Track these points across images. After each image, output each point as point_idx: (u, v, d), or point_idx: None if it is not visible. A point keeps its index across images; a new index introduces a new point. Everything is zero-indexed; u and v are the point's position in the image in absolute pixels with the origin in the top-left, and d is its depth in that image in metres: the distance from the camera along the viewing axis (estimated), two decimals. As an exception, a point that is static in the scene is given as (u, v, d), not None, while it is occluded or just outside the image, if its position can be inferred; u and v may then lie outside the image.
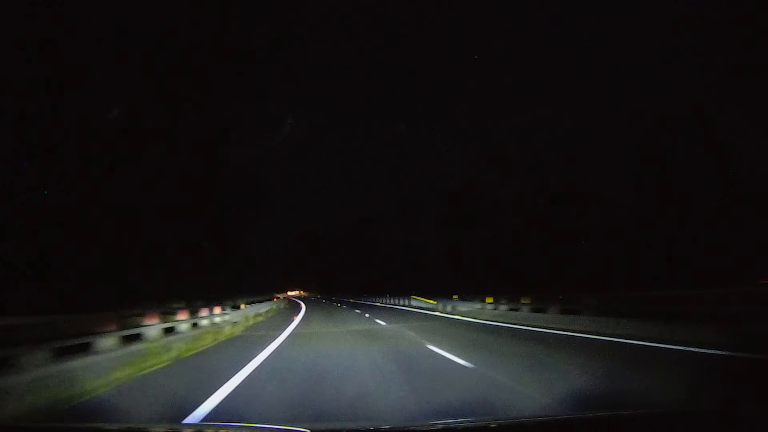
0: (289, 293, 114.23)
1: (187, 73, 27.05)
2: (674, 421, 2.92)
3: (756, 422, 2.72)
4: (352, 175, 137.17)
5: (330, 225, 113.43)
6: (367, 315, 26.86)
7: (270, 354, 10.37)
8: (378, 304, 48.62)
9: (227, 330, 15.76)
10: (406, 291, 44.60)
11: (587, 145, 33.30)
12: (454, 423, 3.67)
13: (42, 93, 18.69)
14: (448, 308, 27.65)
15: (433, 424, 3.53)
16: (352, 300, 65.56)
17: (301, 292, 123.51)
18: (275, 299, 51.66)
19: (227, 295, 27.74)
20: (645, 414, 3.42)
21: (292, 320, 23.02)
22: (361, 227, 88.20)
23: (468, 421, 3.88)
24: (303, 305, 45.91)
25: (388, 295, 49.52)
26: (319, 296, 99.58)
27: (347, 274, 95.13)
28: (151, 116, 27.64)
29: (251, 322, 21.91)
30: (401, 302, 41.99)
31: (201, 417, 5.27)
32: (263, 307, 32.30)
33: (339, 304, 50.23)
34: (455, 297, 29.22)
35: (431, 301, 32.83)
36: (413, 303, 37.87)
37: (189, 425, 4.85)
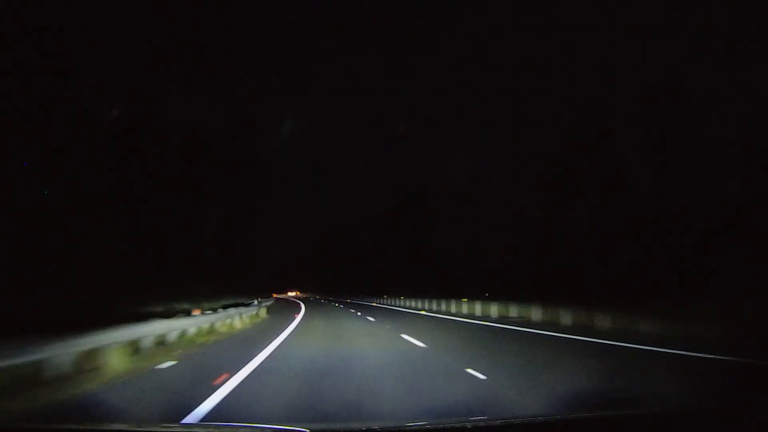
0: (289, 293, 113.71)
1: (188, 74, 27.08)
2: (674, 421, 2.92)
3: (753, 421, 2.72)
4: (354, 175, 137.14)
5: (340, 221, 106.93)
6: None
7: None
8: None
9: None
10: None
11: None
12: (453, 423, 3.65)
13: (42, 92, 18.69)
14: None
15: (431, 424, 3.50)
16: (385, 305, 42.95)
17: (298, 292, 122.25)
18: (257, 299, 44.72)
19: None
20: (645, 414, 3.41)
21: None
22: (385, 222, 74.96)
23: (467, 421, 3.85)
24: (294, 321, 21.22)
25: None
26: (321, 297, 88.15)
27: (356, 275, 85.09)
28: (151, 116, 27.66)
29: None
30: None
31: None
32: None
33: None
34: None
35: None
36: None
37: (187, 425, 4.82)
